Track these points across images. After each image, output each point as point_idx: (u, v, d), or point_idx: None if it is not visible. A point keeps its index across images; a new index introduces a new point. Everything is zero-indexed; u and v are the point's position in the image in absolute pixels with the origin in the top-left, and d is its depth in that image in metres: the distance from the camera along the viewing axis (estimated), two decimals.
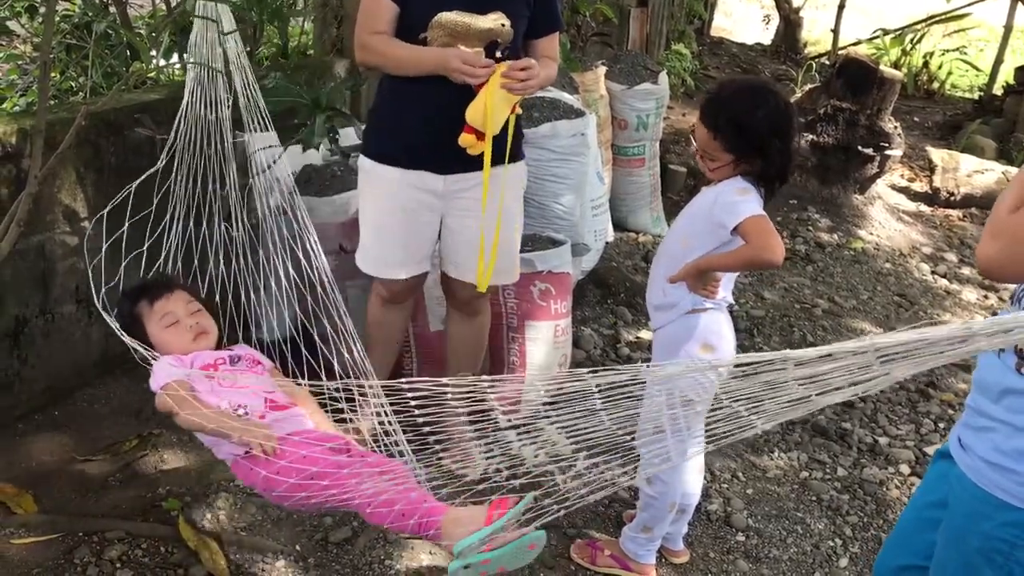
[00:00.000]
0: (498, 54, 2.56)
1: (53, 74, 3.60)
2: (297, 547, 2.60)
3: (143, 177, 2.45)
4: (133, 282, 2.42)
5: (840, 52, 8.57)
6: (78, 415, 3.03)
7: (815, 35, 11.07)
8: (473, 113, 2.48)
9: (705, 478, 3.16)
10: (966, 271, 5.49)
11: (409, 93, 2.62)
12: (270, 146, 2.72)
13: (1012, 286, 1.73)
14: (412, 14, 2.56)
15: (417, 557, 2.63)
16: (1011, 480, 1.63)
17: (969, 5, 9.25)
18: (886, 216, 6.02)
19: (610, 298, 4.35)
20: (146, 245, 2.45)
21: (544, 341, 3.33)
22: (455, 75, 2.47)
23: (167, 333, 2.31)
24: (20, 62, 3.94)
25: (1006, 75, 8.57)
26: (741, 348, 4.12)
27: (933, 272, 5.43)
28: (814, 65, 8.96)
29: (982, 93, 8.73)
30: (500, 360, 3.33)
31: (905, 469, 3.43)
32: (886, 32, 9.59)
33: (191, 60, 2.50)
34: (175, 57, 3.27)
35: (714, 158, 2.35)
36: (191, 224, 2.49)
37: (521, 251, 3.08)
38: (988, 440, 1.67)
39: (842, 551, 3.00)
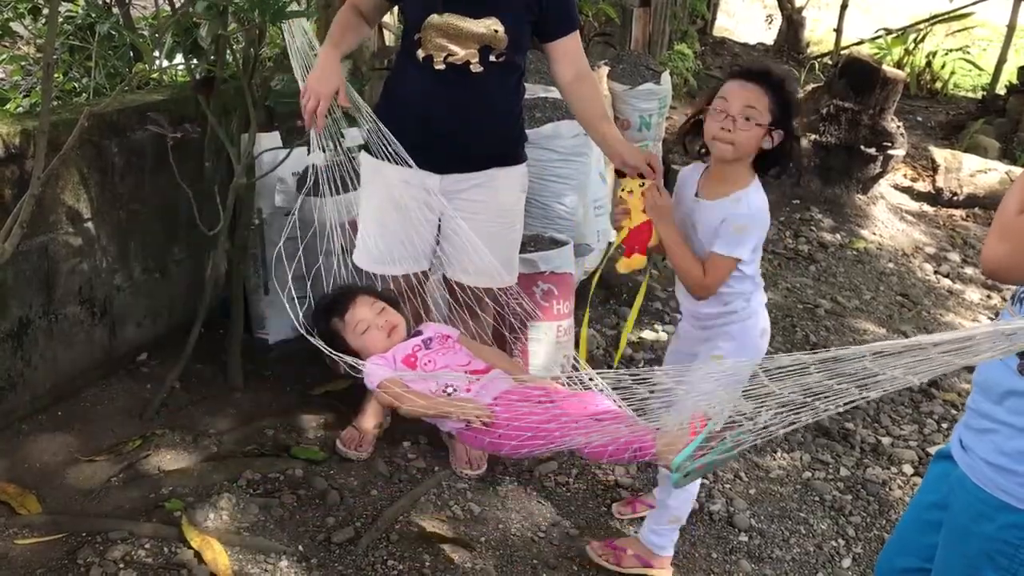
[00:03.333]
0: (492, 58, 2.55)
1: (56, 75, 3.60)
2: (300, 547, 2.60)
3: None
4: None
5: (843, 52, 8.56)
6: (81, 415, 3.04)
7: (818, 35, 11.06)
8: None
9: (708, 478, 3.16)
10: (969, 271, 5.48)
11: (410, 93, 2.63)
12: (275, 147, 2.73)
13: (1013, 286, 1.73)
14: (408, 16, 2.58)
15: (420, 557, 2.63)
16: (1013, 482, 1.63)
17: (972, 4, 9.23)
18: (889, 216, 6.02)
19: (612, 299, 4.35)
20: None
21: (546, 341, 3.33)
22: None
23: (364, 339, 2.46)
24: (23, 63, 3.94)
25: (1009, 74, 8.54)
26: None
27: (936, 272, 5.42)
28: (817, 65, 8.96)
29: (985, 93, 8.71)
30: None
31: (908, 469, 3.43)
32: (889, 32, 9.58)
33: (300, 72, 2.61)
34: (179, 58, 3.27)
35: (758, 121, 2.31)
36: None
37: (523, 251, 3.09)
38: (990, 441, 1.67)
39: (845, 551, 2.99)
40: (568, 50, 2.67)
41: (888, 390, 1.41)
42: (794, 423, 1.58)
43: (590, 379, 2.27)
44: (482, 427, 2.15)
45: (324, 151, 2.62)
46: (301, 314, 2.47)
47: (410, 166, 2.65)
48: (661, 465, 2.12)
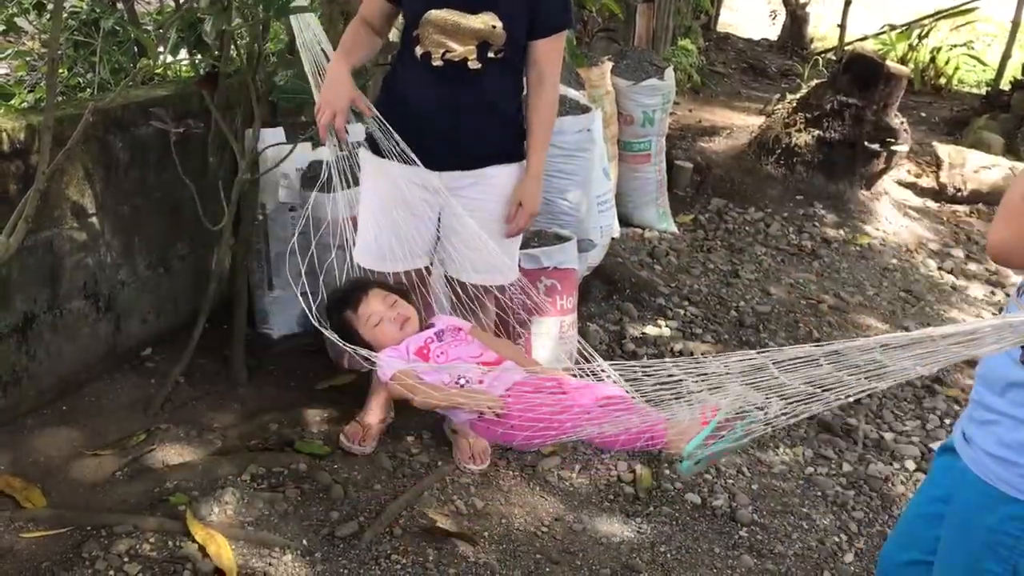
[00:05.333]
0: (490, 55, 2.54)
1: (61, 71, 3.61)
2: (304, 541, 2.61)
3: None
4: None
5: (846, 47, 8.54)
6: (86, 410, 3.05)
7: (821, 30, 11.04)
8: None
9: (710, 473, 3.17)
10: (972, 267, 5.48)
11: (408, 91, 2.62)
12: (279, 143, 2.74)
13: (1017, 280, 1.74)
14: (407, 12, 2.58)
15: (423, 551, 2.64)
16: (1015, 473, 1.63)
17: None
18: (892, 212, 6.01)
19: (616, 294, 4.35)
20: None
21: (550, 337, 3.34)
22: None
23: (377, 331, 2.44)
24: (28, 59, 3.96)
25: (1014, 70, 8.53)
26: (747, 344, 4.12)
27: (939, 268, 5.42)
28: (820, 60, 8.94)
29: (989, 88, 8.70)
30: None
31: (911, 465, 3.43)
32: (893, 27, 9.56)
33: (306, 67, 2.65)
34: (183, 53, 3.27)
35: None
36: None
37: (527, 247, 3.09)
38: (992, 433, 1.67)
39: (847, 546, 3.00)
40: (542, 52, 2.62)
41: (897, 380, 1.43)
42: (801, 414, 1.59)
43: (601, 370, 2.27)
44: (495, 418, 2.16)
45: (342, 151, 2.63)
46: (315, 308, 2.47)
47: (412, 163, 2.65)
48: (671, 452, 2.12)
